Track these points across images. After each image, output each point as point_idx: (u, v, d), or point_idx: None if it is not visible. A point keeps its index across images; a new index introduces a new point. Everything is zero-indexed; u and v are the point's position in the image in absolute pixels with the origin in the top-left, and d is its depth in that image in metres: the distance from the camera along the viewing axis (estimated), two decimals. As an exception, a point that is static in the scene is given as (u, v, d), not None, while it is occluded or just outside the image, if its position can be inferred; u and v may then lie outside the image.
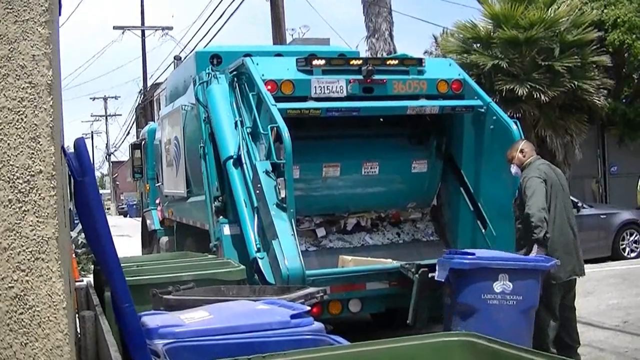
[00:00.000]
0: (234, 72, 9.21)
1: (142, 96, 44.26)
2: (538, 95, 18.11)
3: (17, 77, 3.23)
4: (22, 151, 3.22)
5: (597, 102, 19.04)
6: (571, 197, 7.89)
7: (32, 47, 3.25)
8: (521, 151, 8.02)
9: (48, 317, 3.24)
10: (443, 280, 7.30)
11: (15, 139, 3.22)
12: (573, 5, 19.60)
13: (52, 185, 3.26)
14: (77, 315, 5.44)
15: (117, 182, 78.14)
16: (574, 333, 7.87)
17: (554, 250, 7.50)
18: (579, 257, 7.80)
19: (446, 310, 7.55)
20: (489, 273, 7.11)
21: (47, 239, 3.24)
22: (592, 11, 19.59)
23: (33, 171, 3.23)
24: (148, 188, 15.87)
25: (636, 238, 17.12)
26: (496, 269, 7.11)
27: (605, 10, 19.91)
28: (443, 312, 7.63)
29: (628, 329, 9.78)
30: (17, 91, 3.23)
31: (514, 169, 8.09)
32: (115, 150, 71.91)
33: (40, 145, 3.25)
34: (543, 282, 7.38)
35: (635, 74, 21.08)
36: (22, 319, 3.21)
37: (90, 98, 76.33)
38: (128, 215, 58.71)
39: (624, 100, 21.41)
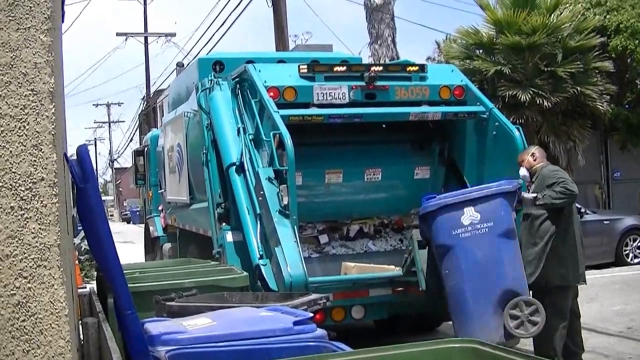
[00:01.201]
0: (237, 79, 9.22)
1: (145, 103, 44.29)
2: (541, 101, 18.11)
3: (20, 85, 3.24)
4: (24, 158, 3.23)
5: (600, 107, 19.05)
6: (575, 203, 7.91)
7: (34, 54, 3.26)
8: (532, 155, 8.03)
9: (50, 324, 3.24)
10: (421, 237, 7.53)
11: (17, 147, 3.23)
12: (575, 11, 19.63)
13: (54, 192, 3.26)
14: (79, 322, 5.45)
15: (120, 189, 78.18)
16: (578, 339, 7.86)
17: (567, 255, 7.51)
18: (583, 265, 7.81)
19: (430, 259, 7.63)
20: (454, 208, 7.24)
21: (49, 246, 3.24)
22: (594, 17, 19.61)
23: (35, 178, 3.24)
24: (151, 195, 15.88)
25: (639, 244, 17.11)
26: (460, 203, 7.24)
27: (607, 16, 19.93)
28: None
29: (632, 335, 9.77)
30: (19, 98, 3.24)
31: (522, 171, 8.08)
32: (118, 157, 72.21)
33: (42, 152, 3.25)
34: (553, 287, 7.42)
35: (638, 80, 21.06)
36: (24, 327, 3.21)
37: (94, 104, 76.50)
38: (131, 222, 58.73)
39: (626, 106, 21.40)
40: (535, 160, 7.97)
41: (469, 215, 7.21)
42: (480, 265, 7.12)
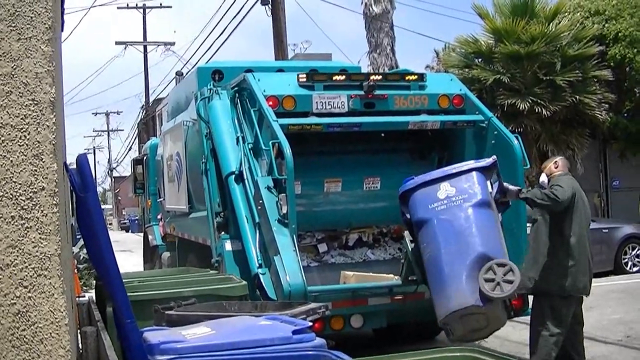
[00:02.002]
0: (236, 88, 9.24)
1: (144, 111, 44.34)
2: (540, 109, 18.15)
3: (20, 95, 3.25)
4: (24, 168, 3.24)
5: (599, 116, 19.09)
6: (587, 216, 7.93)
7: (35, 64, 3.28)
8: (555, 163, 8.06)
9: (50, 333, 3.25)
10: (404, 217, 7.74)
11: (18, 156, 3.24)
12: (574, 19, 19.69)
13: (54, 202, 3.27)
14: (79, 331, 5.45)
15: (119, 198, 78.12)
16: (580, 347, 7.85)
17: (569, 266, 7.51)
18: (591, 277, 7.81)
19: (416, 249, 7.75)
20: (430, 185, 7.49)
21: (49, 255, 3.25)
22: (593, 26, 19.66)
23: (36, 188, 3.25)
24: (150, 203, 15.87)
25: (639, 252, 17.10)
26: (436, 179, 7.50)
27: (606, 25, 19.98)
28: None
29: (631, 344, 9.76)
30: (20, 108, 3.25)
31: (542, 177, 8.20)
32: (118, 166, 72.13)
33: (43, 162, 3.26)
34: (554, 295, 7.43)
35: (637, 88, 21.07)
36: (25, 336, 3.22)
37: (93, 113, 76.45)
38: (130, 231, 58.67)
39: (625, 115, 21.42)
40: (556, 169, 7.99)
41: (445, 190, 7.41)
42: (455, 234, 7.24)
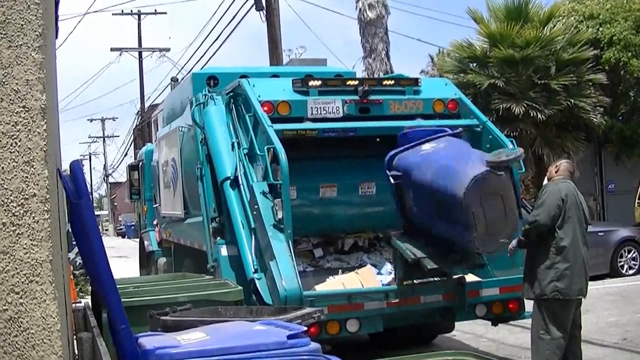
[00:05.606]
0: (231, 94, 9.25)
1: (140, 117, 44.32)
2: (535, 113, 18.19)
3: (11, 102, 3.26)
4: (16, 175, 3.24)
5: (594, 119, 19.14)
6: (584, 218, 7.96)
7: (25, 71, 3.28)
8: (556, 167, 8.08)
9: (42, 339, 3.25)
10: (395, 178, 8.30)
11: (9, 163, 3.24)
12: (569, 23, 19.74)
13: (45, 208, 3.27)
14: (74, 336, 5.45)
15: (115, 204, 78.12)
16: (578, 351, 7.85)
17: (568, 268, 7.54)
18: (587, 280, 7.83)
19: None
20: (416, 145, 8.27)
21: (41, 261, 3.25)
22: (587, 29, 19.71)
23: (27, 194, 3.25)
24: (146, 209, 15.86)
25: (634, 255, 17.10)
26: (420, 142, 8.26)
27: (600, 29, 20.03)
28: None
29: (627, 347, 9.77)
30: (11, 115, 3.25)
31: (545, 181, 8.28)
32: (113, 172, 72.12)
33: (34, 169, 3.26)
34: (551, 298, 7.45)
35: (632, 92, 21.16)
36: (17, 342, 3.22)
37: (88, 119, 76.64)
38: (126, 237, 58.63)
39: (620, 118, 21.48)
40: (556, 173, 8.00)
41: (430, 145, 8.20)
42: (450, 152, 7.98)
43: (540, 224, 7.52)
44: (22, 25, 3.29)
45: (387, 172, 8.19)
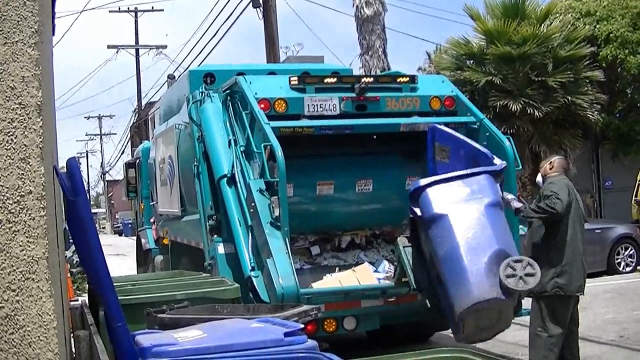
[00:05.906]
0: (227, 91, 9.23)
1: (137, 115, 44.27)
2: (532, 110, 18.19)
3: (7, 99, 3.25)
4: (12, 172, 3.23)
5: (591, 117, 19.14)
6: (581, 216, 7.97)
7: (21, 68, 3.27)
8: (550, 163, 8.07)
9: (38, 337, 3.24)
10: (413, 215, 7.71)
11: (5, 160, 3.23)
12: (566, 21, 19.73)
13: (41, 205, 3.27)
14: (72, 334, 5.44)
15: (113, 201, 78.04)
16: (575, 349, 7.86)
17: (567, 265, 7.53)
18: (585, 277, 7.83)
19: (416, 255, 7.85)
20: (444, 183, 7.62)
21: (37, 259, 3.25)
22: (584, 27, 19.71)
23: (23, 192, 3.24)
24: (143, 207, 15.86)
25: (631, 252, 17.13)
26: (449, 178, 7.64)
27: (597, 26, 20.03)
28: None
29: (624, 344, 9.78)
30: (6, 112, 3.24)
31: (538, 177, 8.30)
32: (110, 169, 72.02)
33: (30, 166, 3.26)
34: (551, 295, 7.45)
35: (629, 89, 21.17)
36: (13, 339, 3.21)
37: (85, 117, 76.67)
38: (123, 234, 58.61)
39: (617, 115, 21.49)
40: (551, 169, 7.99)
41: (459, 188, 7.53)
42: (471, 229, 7.30)
43: (558, 212, 7.45)
44: (18, 21, 3.28)
45: (410, 203, 7.76)
